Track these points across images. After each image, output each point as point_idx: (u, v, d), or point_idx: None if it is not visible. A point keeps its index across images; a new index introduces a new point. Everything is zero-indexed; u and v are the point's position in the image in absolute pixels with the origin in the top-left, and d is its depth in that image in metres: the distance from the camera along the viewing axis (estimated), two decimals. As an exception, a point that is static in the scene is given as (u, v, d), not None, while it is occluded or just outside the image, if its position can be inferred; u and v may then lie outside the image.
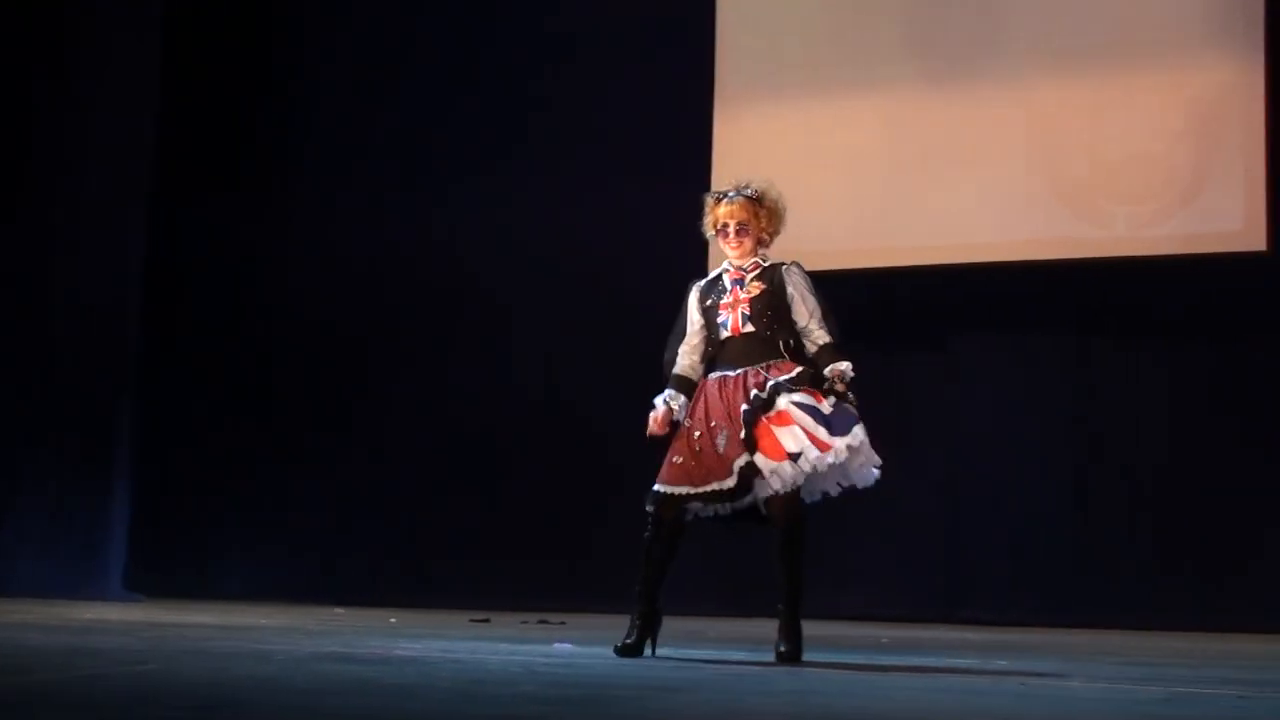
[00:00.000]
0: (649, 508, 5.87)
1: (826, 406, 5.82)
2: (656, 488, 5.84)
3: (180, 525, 11.62)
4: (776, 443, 5.74)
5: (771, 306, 5.98)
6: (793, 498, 5.77)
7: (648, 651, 5.87)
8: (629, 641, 5.87)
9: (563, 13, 11.54)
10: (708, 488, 5.77)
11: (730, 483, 5.74)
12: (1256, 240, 9.59)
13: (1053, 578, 9.94)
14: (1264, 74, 9.66)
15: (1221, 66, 9.77)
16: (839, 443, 5.73)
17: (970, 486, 10.23)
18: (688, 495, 5.79)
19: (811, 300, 6.05)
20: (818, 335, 6.04)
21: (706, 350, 6.10)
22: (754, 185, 6.13)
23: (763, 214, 6.10)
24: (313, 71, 12.11)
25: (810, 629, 5.94)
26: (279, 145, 12.12)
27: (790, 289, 6.03)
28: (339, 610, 9.76)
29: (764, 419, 5.78)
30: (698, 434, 5.84)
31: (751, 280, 6.03)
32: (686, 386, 6.07)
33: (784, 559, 5.87)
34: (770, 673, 5.36)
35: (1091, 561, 9.90)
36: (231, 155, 12.10)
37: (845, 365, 5.92)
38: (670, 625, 5.95)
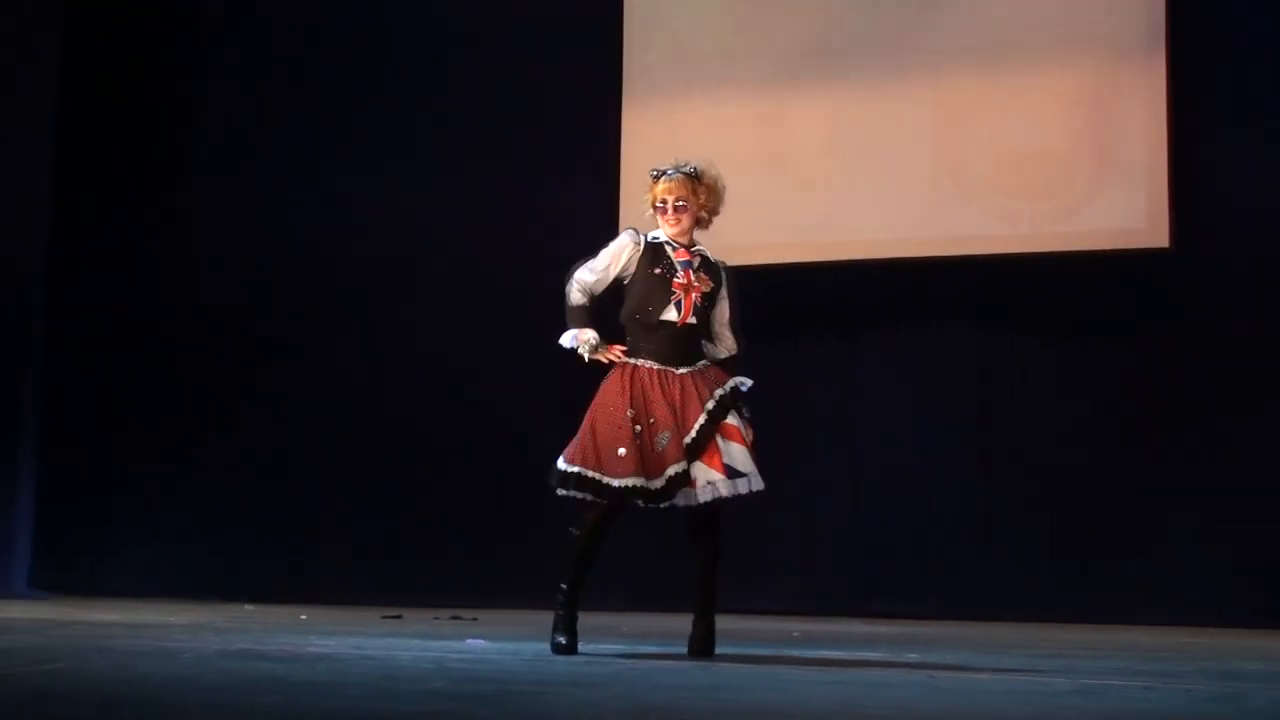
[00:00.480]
0: (581, 495, 5.72)
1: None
2: (612, 482, 5.66)
3: (86, 522, 11.47)
4: (718, 455, 5.70)
5: (712, 304, 5.99)
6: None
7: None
8: (564, 641, 5.80)
9: (466, 7, 11.49)
10: (643, 482, 5.67)
11: (658, 484, 5.69)
12: (1159, 237, 9.71)
13: (959, 571, 10.02)
14: (1164, 71, 9.76)
15: (1124, 64, 9.87)
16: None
17: (876, 482, 10.29)
18: (639, 489, 5.67)
19: (737, 304, 6.06)
20: (732, 343, 6.04)
21: (600, 296, 6.01)
22: (693, 163, 6.09)
23: (701, 191, 6.03)
24: (216, 68, 11.96)
25: (721, 623, 5.96)
26: (182, 142, 11.97)
27: (725, 290, 6.03)
28: (248, 607, 9.69)
29: (717, 430, 5.75)
30: (639, 428, 5.73)
31: (700, 269, 5.97)
32: (591, 322, 5.97)
33: (704, 554, 5.87)
34: (682, 667, 5.37)
35: (997, 555, 9.98)
36: (135, 152, 11.93)
37: (749, 382, 5.94)
38: (583, 620, 5.94)
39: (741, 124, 10.51)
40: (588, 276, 6.01)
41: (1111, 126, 9.85)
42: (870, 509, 10.27)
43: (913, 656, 6.08)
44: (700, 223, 6.08)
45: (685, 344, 5.91)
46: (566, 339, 5.98)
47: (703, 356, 5.96)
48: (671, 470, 5.67)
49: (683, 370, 5.86)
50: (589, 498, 5.73)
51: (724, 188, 6.09)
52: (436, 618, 8.77)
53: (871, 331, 10.51)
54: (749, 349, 6.15)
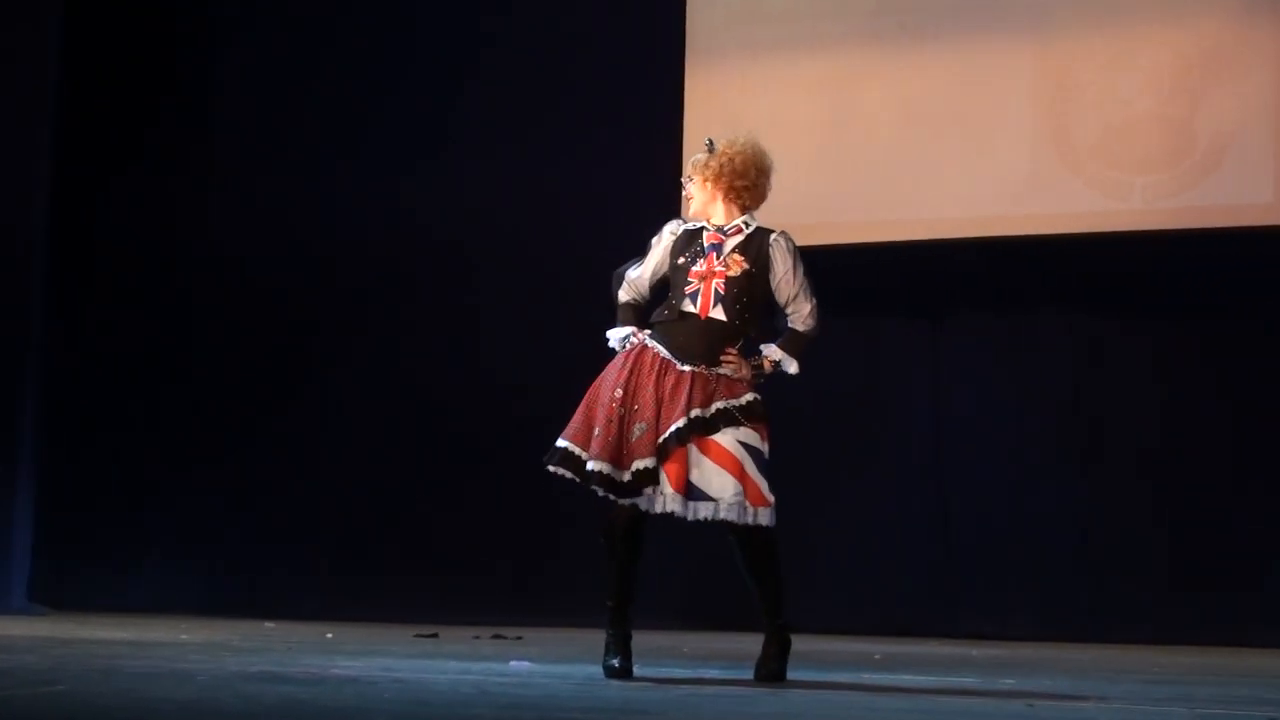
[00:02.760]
0: (564, 473, 5.83)
1: (767, 449, 5.77)
2: (589, 463, 5.72)
3: (90, 530, 11.55)
4: (684, 469, 5.65)
5: (749, 291, 5.89)
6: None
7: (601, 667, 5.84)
8: (615, 664, 5.80)
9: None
10: (610, 470, 5.68)
11: (625, 477, 5.68)
12: (1288, 213, 9.63)
13: (1058, 586, 9.96)
14: (1294, 27, 9.68)
15: (1248, 20, 9.77)
16: (772, 500, 5.68)
17: (965, 487, 10.24)
18: (606, 478, 5.69)
19: (800, 277, 5.98)
20: (797, 319, 5.98)
21: (649, 296, 6.04)
22: (711, 138, 6.07)
23: (712, 164, 6.00)
24: (246, 20, 12.02)
25: (795, 644, 5.93)
26: (195, 118, 12.02)
27: (777, 264, 5.95)
28: (268, 624, 9.73)
29: (692, 440, 5.69)
30: (623, 411, 5.75)
31: (731, 252, 5.93)
32: (638, 320, 6.00)
33: (752, 571, 5.84)
34: (748, 693, 5.36)
35: (1101, 568, 9.92)
36: (140, 136, 11.97)
37: (794, 367, 5.93)
38: (640, 640, 5.94)
39: (814, 89, 10.47)
40: (633, 273, 6.10)
41: (1234, 89, 9.75)
42: (958, 517, 10.23)
43: (1008, 683, 6.05)
44: (737, 197, 6.00)
45: (708, 341, 5.83)
46: (612, 337, 6.04)
47: (731, 360, 5.85)
48: (637, 465, 5.66)
49: (688, 367, 5.80)
50: (573, 477, 5.78)
51: (750, 162, 5.99)
52: (476, 637, 8.79)
53: (959, 320, 10.46)
54: (821, 334, 6.08)
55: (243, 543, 11.37)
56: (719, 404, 5.74)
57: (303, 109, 11.73)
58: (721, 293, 5.85)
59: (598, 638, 5.91)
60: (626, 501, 5.73)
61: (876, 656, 7.74)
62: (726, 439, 5.70)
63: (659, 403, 5.74)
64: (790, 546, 7.14)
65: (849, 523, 10.23)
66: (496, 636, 8.81)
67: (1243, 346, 9.87)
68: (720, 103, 10.50)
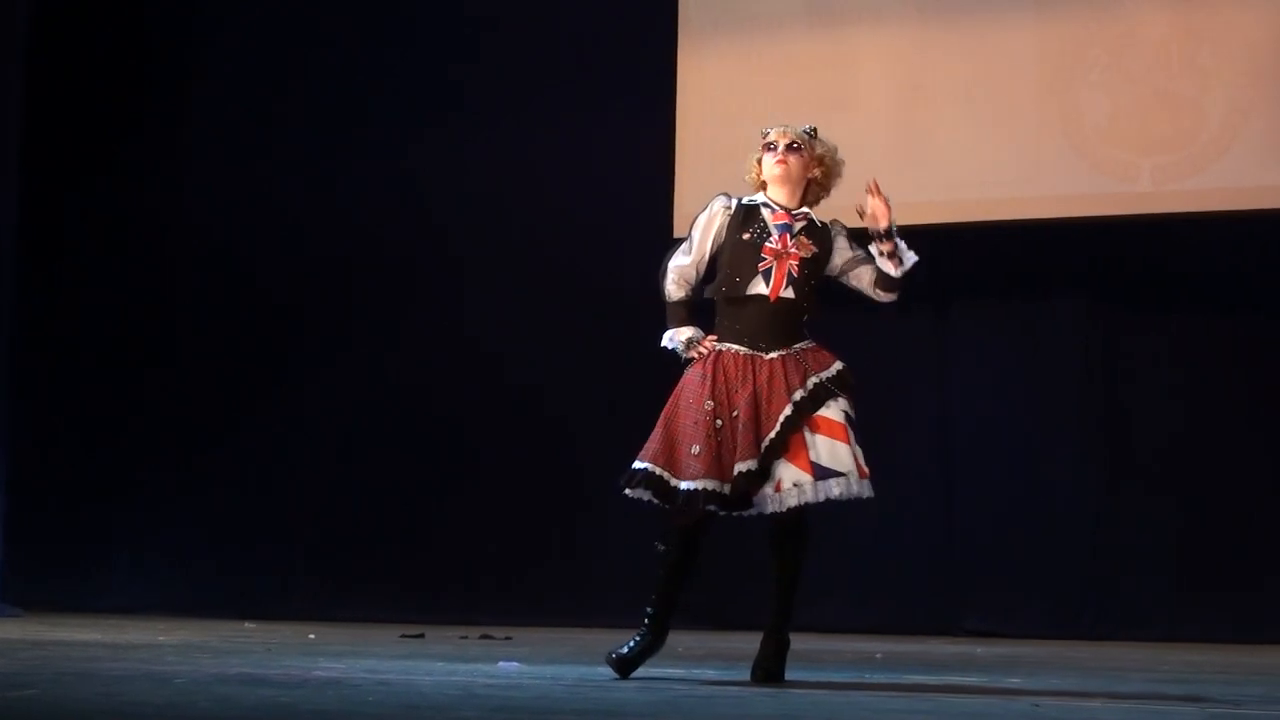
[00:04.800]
0: (645, 497, 5.69)
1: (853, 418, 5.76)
2: (680, 484, 5.64)
3: (63, 530, 11.55)
4: (805, 451, 5.64)
5: (816, 275, 5.89)
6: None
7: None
8: (624, 653, 5.81)
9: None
10: (716, 486, 5.64)
11: (724, 489, 5.65)
12: (1301, 195, 9.64)
13: (1067, 583, 9.98)
14: (1310, 2, 9.69)
15: (1260, -6, 9.80)
16: (867, 471, 5.69)
17: (972, 480, 10.25)
18: (713, 494, 5.62)
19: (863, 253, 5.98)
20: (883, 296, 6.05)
21: (698, 283, 5.99)
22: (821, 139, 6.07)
23: (818, 148, 6.02)
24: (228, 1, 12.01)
25: (794, 643, 5.94)
26: (175, 91, 12.01)
27: (843, 249, 5.97)
28: (248, 625, 9.74)
29: (804, 424, 5.68)
30: (719, 423, 5.69)
31: (801, 232, 5.91)
32: (692, 318, 5.95)
33: (782, 568, 5.85)
34: (746, 694, 5.36)
35: (1111, 564, 9.94)
36: (117, 126, 11.95)
37: (911, 256, 6.07)
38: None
39: (811, 69, 10.46)
40: (683, 260, 5.99)
41: (1244, 67, 9.76)
42: (964, 511, 10.24)
43: (1014, 682, 6.06)
44: (810, 190, 6.00)
45: (780, 322, 5.81)
46: (665, 339, 5.95)
47: (803, 337, 5.86)
48: (739, 468, 5.61)
49: (774, 354, 5.78)
50: (653, 499, 5.69)
51: (836, 171, 6.05)
52: (464, 637, 8.79)
53: (965, 307, 10.47)
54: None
55: (221, 541, 11.37)
56: (814, 379, 5.73)
57: (285, 94, 11.72)
58: (795, 275, 5.84)
59: (588, 638, 5.94)
60: (745, 513, 5.74)
61: (878, 655, 7.75)
62: (832, 411, 5.70)
63: (756, 400, 5.70)
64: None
65: (850, 518, 10.17)
66: (485, 637, 8.81)
67: (1256, 334, 9.87)
68: (714, 82, 10.50)
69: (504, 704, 4.76)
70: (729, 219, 5.95)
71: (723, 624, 9.46)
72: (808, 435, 5.67)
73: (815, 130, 6.07)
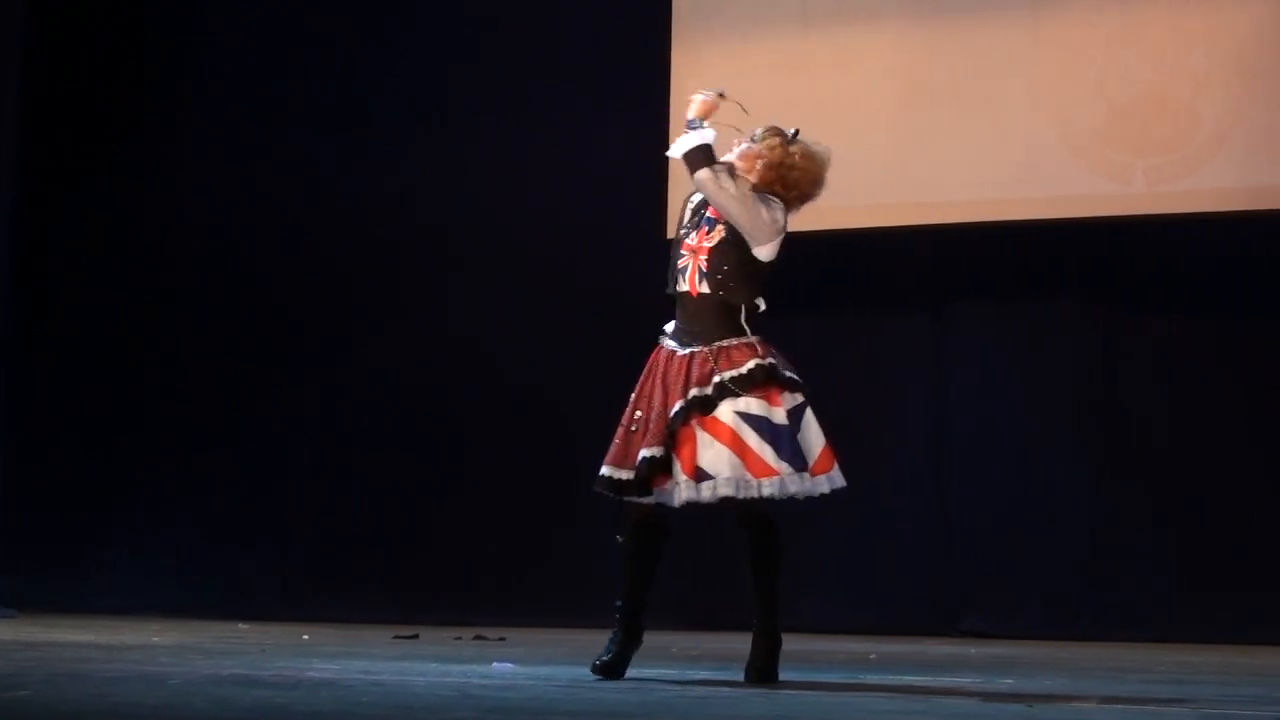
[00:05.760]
0: (602, 491, 5.83)
1: (781, 414, 5.73)
2: (601, 471, 5.82)
3: (57, 531, 11.54)
4: (694, 453, 5.67)
5: (729, 260, 5.84)
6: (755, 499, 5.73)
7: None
8: (606, 659, 5.83)
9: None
10: (612, 471, 5.76)
11: (624, 475, 5.73)
12: (1296, 195, 9.64)
13: (1062, 584, 9.98)
14: (1304, 2, 9.69)
15: (1254, -5, 9.80)
16: (785, 472, 5.65)
17: (967, 480, 10.25)
18: (610, 480, 5.76)
19: (761, 202, 5.89)
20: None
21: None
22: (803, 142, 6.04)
23: (762, 153, 5.98)
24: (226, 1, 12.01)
25: (787, 644, 5.95)
26: (172, 92, 12.00)
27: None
28: (242, 626, 9.73)
29: (695, 420, 5.70)
30: (639, 414, 5.81)
31: (711, 224, 5.91)
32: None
33: (755, 564, 5.87)
34: (739, 695, 5.37)
35: (1106, 565, 9.94)
36: (113, 122, 11.93)
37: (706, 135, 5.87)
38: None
39: (806, 68, 10.45)
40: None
41: (1238, 68, 9.76)
42: (960, 512, 10.24)
43: (1008, 683, 6.06)
44: (762, 189, 5.94)
45: (702, 319, 5.84)
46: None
47: (729, 332, 5.85)
48: (643, 454, 5.69)
49: (689, 350, 5.82)
50: (606, 492, 5.81)
51: (809, 182, 6.01)
52: (458, 638, 8.79)
53: (960, 308, 10.47)
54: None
55: (215, 542, 11.36)
56: (718, 378, 5.73)
57: (285, 94, 11.70)
58: (704, 269, 5.86)
59: (583, 639, 5.94)
60: (648, 500, 5.74)
61: (872, 656, 7.75)
62: (724, 412, 5.70)
63: (665, 392, 5.76)
64: (787, 543, 7.12)
65: (844, 518, 10.20)
66: (479, 638, 8.81)
67: (1250, 336, 9.88)
68: (708, 82, 10.44)
69: (498, 705, 4.77)
70: (685, 214, 6.05)
71: (716, 624, 9.45)
72: (699, 434, 5.68)
73: (796, 133, 6.00)
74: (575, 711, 4.65)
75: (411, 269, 11.34)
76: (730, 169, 5.90)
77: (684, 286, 5.89)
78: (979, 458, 10.23)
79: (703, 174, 5.80)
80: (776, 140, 6.00)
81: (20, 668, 5.87)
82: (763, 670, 5.82)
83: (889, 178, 10.25)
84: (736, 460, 5.64)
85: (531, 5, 11.34)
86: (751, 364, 5.77)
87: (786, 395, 5.78)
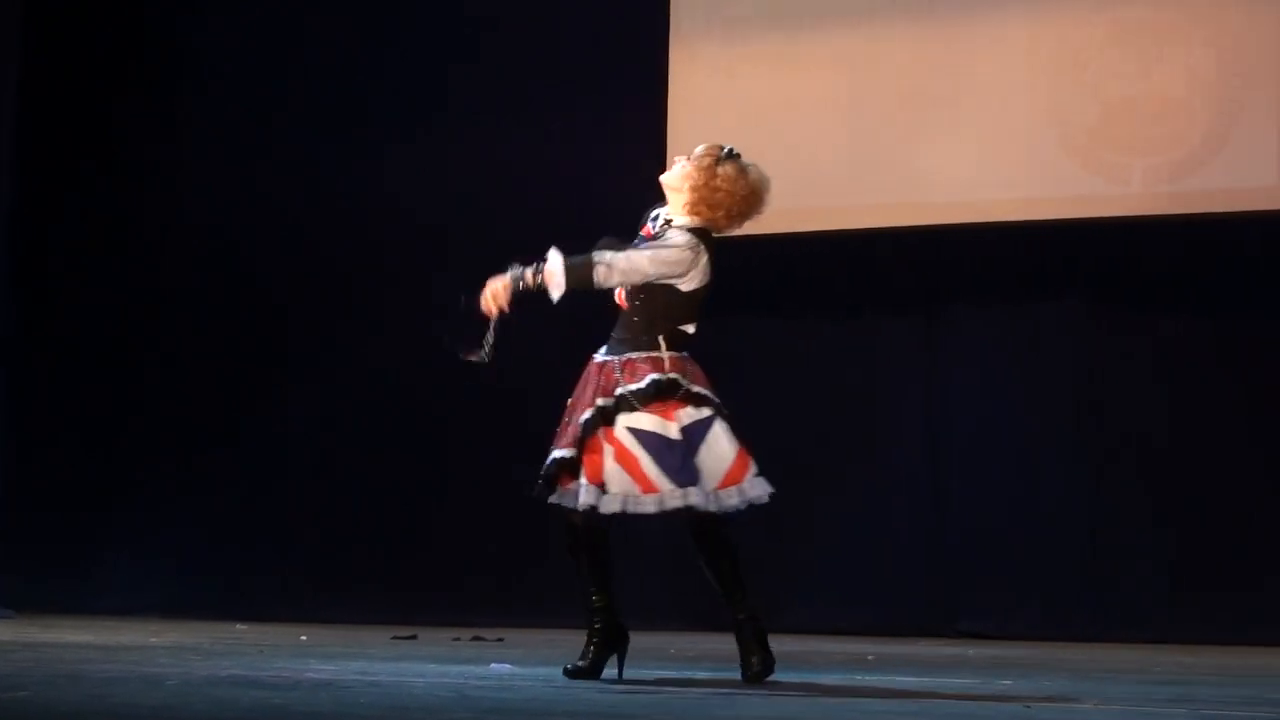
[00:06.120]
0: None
1: (675, 429, 5.73)
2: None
3: (55, 531, 11.54)
4: (600, 462, 5.74)
5: (645, 287, 5.90)
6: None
7: (611, 673, 5.84)
8: (581, 663, 5.85)
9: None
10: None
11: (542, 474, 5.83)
12: (1295, 197, 9.64)
13: (1059, 585, 9.98)
14: (1302, 3, 9.70)
15: (1252, -5, 9.81)
16: (666, 489, 5.66)
17: (963, 482, 10.25)
18: (535, 483, 5.89)
19: (656, 247, 5.91)
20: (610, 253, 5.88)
21: None
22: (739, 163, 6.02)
23: (690, 174, 5.98)
24: (210, 12, 12.00)
25: (785, 645, 5.95)
26: (168, 90, 12.00)
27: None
28: (240, 627, 9.74)
29: (601, 430, 5.77)
30: (566, 419, 5.94)
31: (642, 244, 6.00)
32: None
33: (706, 564, 5.87)
34: (738, 696, 5.37)
35: (1103, 566, 9.94)
36: (114, 100, 11.95)
37: (553, 262, 5.88)
38: (629, 641, 5.95)
39: (800, 70, 10.46)
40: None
41: (1238, 67, 9.76)
42: (956, 513, 10.24)
43: (1005, 684, 6.07)
44: (691, 209, 5.96)
45: (624, 330, 5.94)
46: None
47: (646, 347, 5.88)
48: (553, 454, 5.82)
49: (608, 358, 5.91)
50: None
51: (740, 205, 5.96)
52: (456, 639, 8.79)
53: (956, 308, 10.47)
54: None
55: (213, 542, 11.36)
56: (619, 390, 5.79)
57: (285, 94, 11.70)
58: (629, 288, 5.96)
59: (581, 640, 5.93)
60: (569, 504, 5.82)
61: (870, 657, 7.75)
62: (619, 426, 5.76)
63: (580, 398, 5.91)
64: (780, 544, 7.18)
65: (842, 520, 10.24)
66: (476, 639, 8.81)
67: (1249, 336, 9.88)
68: (704, 85, 10.50)
69: (496, 705, 4.77)
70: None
71: (714, 625, 9.45)
72: (604, 444, 5.75)
73: (732, 153, 6.00)
74: (573, 712, 4.65)
75: (411, 269, 11.33)
76: (614, 245, 5.89)
77: (616, 297, 6.01)
78: (977, 458, 10.24)
79: (599, 273, 5.83)
80: (708, 160, 6.00)
81: (19, 668, 5.88)
82: (755, 666, 5.77)
83: (886, 178, 10.26)
84: (626, 476, 5.70)
85: (531, 5, 11.34)
86: (649, 379, 5.80)
87: (687, 410, 5.78)
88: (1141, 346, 10.07)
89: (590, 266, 5.82)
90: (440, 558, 10.90)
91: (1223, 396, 9.86)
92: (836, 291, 10.51)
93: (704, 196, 5.95)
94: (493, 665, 6.55)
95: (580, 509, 5.72)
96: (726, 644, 6.25)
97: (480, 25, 11.41)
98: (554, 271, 5.86)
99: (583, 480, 5.73)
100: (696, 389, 5.81)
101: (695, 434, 5.75)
